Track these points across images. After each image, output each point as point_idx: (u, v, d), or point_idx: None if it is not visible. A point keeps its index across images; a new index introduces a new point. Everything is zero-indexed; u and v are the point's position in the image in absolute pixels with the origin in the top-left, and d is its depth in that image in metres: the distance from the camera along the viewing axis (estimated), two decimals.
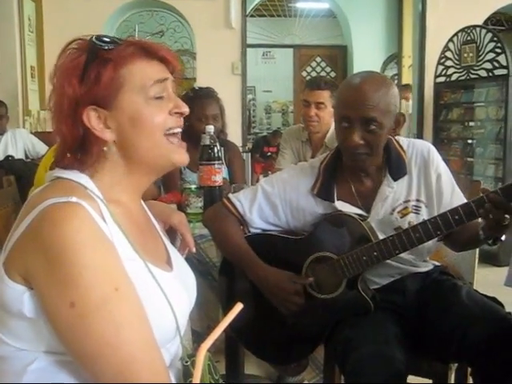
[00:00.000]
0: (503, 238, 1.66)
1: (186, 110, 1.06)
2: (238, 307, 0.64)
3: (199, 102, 2.77)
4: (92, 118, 0.98)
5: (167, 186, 2.63)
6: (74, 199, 0.90)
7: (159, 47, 1.05)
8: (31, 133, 4.94)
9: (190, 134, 2.59)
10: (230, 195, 1.88)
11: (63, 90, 0.98)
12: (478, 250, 1.95)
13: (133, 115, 1.00)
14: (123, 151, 1.02)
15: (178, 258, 1.16)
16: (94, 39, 1.00)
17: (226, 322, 0.64)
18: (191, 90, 2.94)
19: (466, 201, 1.64)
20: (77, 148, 1.00)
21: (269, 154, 7.55)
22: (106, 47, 1.00)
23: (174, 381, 1.02)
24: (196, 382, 0.65)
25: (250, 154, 3.56)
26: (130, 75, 1.00)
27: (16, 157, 4.36)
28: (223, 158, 2.81)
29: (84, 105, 0.98)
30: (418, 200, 1.73)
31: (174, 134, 1.05)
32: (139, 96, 1.00)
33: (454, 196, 1.73)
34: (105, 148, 1.01)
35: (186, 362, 1.03)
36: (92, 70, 0.98)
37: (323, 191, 1.75)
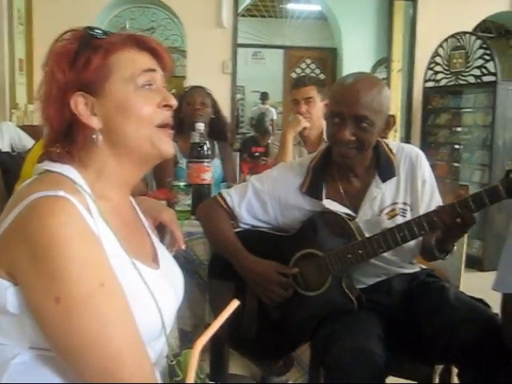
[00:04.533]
0: (454, 249, 1.72)
1: (174, 102, 1.05)
2: (234, 304, 0.63)
3: (189, 91, 3.04)
4: (79, 104, 0.98)
5: (160, 179, 2.64)
6: (61, 193, 0.89)
7: (150, 39, 1.06)
8: (18, 126, 4.88)
9: (182, 125, 2.64)
10: (222, 190, 1.92)
11: (53, 75, 0.98)
12: (464, 254, 1.97)
13: (120, 103, 0.99)
14: (110, 140, 1.01)
15: (165, 256, 1.15)
16: (87, 29, 1.00)
17: (222, 319, 0.64)
18: (185, 87, 3.23)
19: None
20: (64, 135, 0.99)
21: (257, 154, 7.52)
22: (99, 36, 1.00)
23: (159, 379, 1.01)
24: (189, 381, 0.64)
25: (238, 153, 3.58)
26: (119, 63, 1.00)
27: (2, 150, 4.31)
28: (218, 155, 2.89)
29: (72, 90, 0.97)
30: (404, 203, 1.76)
31: (163, 126, 1.04)
32: (128, 84, 1.00)
33: (432, 201, 1.76)
34: (93, 136, 0.99)
35: (172, 361, 1.03)
36: (82, 55, 0.98)
37: (312, 189, 1.77)
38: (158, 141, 1.02)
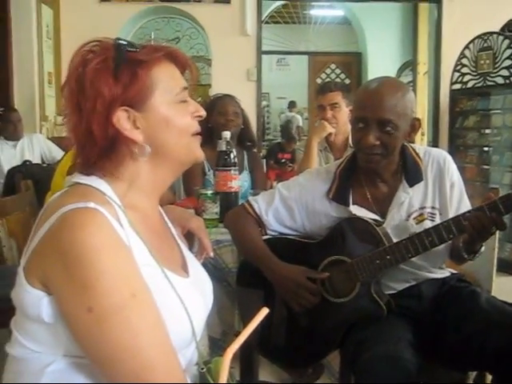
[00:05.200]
0: (482, 250, 1.69)
1: (203, 113, 1.09)
2: (264, 312, 0.64)
3: (220, 100, 2.96)
4: (122, 119, 0.98)
5: (188, 188, 2.65)
6: (91, 205, 0.91)
7: (182, 53, 1.09)
8: (47, 138, 4.98)
9: (212, 135, 2.64)
10: (250, 198, 1.93)
11: (97, 90, 0.96)
12: (495, 257, 1.94)
13: (163, 117, 1.02)
14: (152, 151, 1.02)
15: (194, 264, 1.16)
16: (118, 41, 1.01)
17: (253, 327, 0.64)
18: (213, 96, 3.12)
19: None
20: (105, 150, 0.99)
21: (283, 160, 7.53)
22: (133, 49, 1.00)
23: None
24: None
25: (264, 160, 3.59)
26: (161, 76, 1.02)
27: (33, 161, 4.40)
28: (247, 166, 2.88)
29: (118, 105, 0.97)
30: (433, 207, 1.74)
31: (197, 134, 1.09)
32: (169, 97, 1.02)
33: (461, 205, 1.74)
34: (136, 150, 1.01)
35: (202, 368, 1.03)
36: (125, 70, 0.98)
37: (338, 195, 1.76)
38: (194, 148, 1.07)
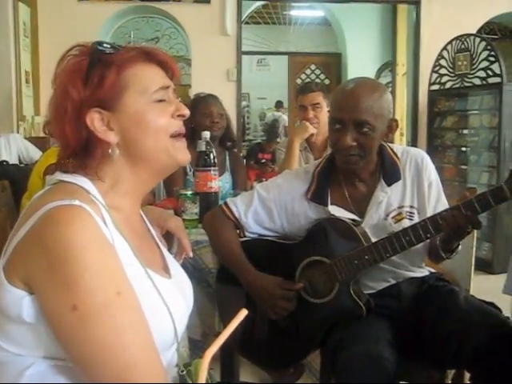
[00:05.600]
0: (459, 248, 1.72)
1: (186, 112, 1.06)
2: (243, 313, 0.63)
3: (204, 101, 2.92)
4: (95, 121, 0.98)
5: (169, 189, 2.63)
6: (76, 202, 0.90)
7: (160, 52, 1.07)
8: (25, 138, 4.92)
9: (194, 135, 2.63)
10: (228, 199, 1.91)
11: (67, 93, 0.98)
12: (473, 256, 1.96)
13: (136, 117, 1.01)
14: (127, 153, 1.02)
15: (174, 265, 1.16)
16: (96, 44, 1.01)
17: (231, 328, 0.64)
18: (195, 95, 3.08)
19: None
20: (80, 151, 1.00)
21: (263, 160, 7.54)
22: (108, 51, 1.00)
23: None
24: None
25: (244, 160, 3.59)
26: (133, 78, 1.01)
27: (10, 162, 4.34)
28: (228, 167, 2.87)
29: (88, 107, 0.98)
30: (411, 206, 1.75)
31: (178, 135, 1.06)
32: (142, 98, 1.01)
33: (439, 204, 1.75)
34: (109, 150, 1.00)
35: (182, 371, 1.03)
36: (95, 72, 0.98)
37: (317, 195, 1.77)
38: (175, 151, 1.04)
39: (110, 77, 0.98)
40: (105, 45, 1.01)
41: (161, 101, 1.03)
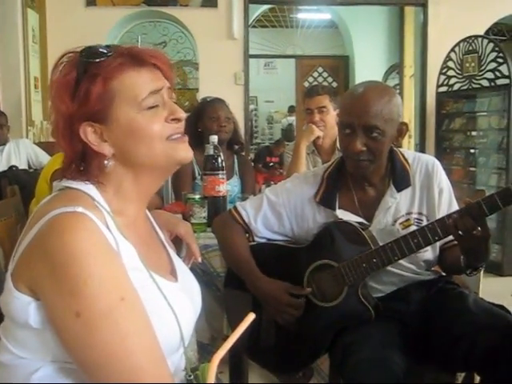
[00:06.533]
0: (483, 267, 1.68)
1: (181, 115, 1.04)
2: (251, 317, 0.64)
3: (211, 105, 2.92)
4: (88, 134, 0.98)
5: (178, 193, 2.64)
6: (80, 209, 0.91)
7: (149, 54, 1.03)
8: (34, 143, 4.94)
9: (202, 140, 2.63)
10: (237, 204, 1.91)
11: (57, 107, 0.99)
12: None
13: (129, 127, 0.99)
14: (124, 162, 1.02)
15: (182, 269, 1.16)
16: (81, 55, 0.99)
17: (239, 333, 0.64)
18: (202, 99, 3.09)
19: None
20: (78, 161, 1.00)
21: (271, 164, 7.56)
22: (97, 59, 0.98)
23: None
24: None
25: (252, 164, 3.59)
26: (120, 88, 0.99)
27: (19, 167, 4.36)
28: (237, 171, 2.87)
29: (79, 121, 0.97)
30: (419, 213, 1.74)
31: (175, 137, 1.04)
32: (132, 106, 0.99)
33: (451, 210, 1.72)
34: (105, 161, 1.00)
35: (190, 375, 1.03)
36: (82, 86, 0.97)
37: (325, 199, 1.77)
38: (173, 151, 1.02)
39: (96, 90, 0.97)
40: (92, 52, 0.99)
41: (152, 107, 1.01)
